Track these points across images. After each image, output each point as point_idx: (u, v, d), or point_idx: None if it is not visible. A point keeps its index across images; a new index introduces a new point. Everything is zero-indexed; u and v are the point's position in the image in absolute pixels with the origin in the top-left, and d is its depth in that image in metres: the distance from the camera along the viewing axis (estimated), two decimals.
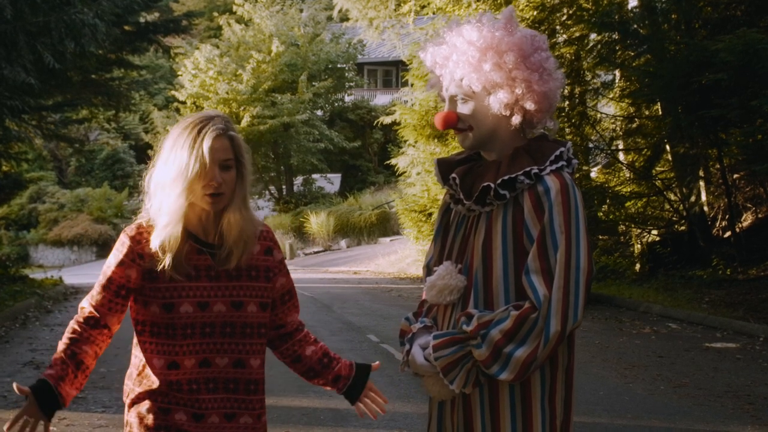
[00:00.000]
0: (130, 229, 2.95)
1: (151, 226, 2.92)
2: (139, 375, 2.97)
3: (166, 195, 2.87)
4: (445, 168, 2.95)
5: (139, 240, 2.92)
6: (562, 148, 2.81)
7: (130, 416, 2.96)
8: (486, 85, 2.77)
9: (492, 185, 2.75)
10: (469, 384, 2.74)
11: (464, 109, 2.82)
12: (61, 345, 2.90)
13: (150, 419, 2.92)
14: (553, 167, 2.76)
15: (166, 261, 2.86)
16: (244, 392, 2.96)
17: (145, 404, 2.93)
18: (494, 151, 2.84)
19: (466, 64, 2.77)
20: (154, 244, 2.88)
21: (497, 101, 2.77)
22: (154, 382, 2.91)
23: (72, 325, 2.93)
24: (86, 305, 2.95)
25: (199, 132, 2.85)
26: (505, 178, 2.74)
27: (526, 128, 2.86)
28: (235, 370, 2.94)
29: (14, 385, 2.88)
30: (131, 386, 2.98)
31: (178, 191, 2.84)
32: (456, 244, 2.90)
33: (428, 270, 3.00)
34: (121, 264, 2.91)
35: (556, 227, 2.67)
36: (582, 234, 2.70)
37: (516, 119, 2.79)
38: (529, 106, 2.78)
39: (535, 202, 2.71)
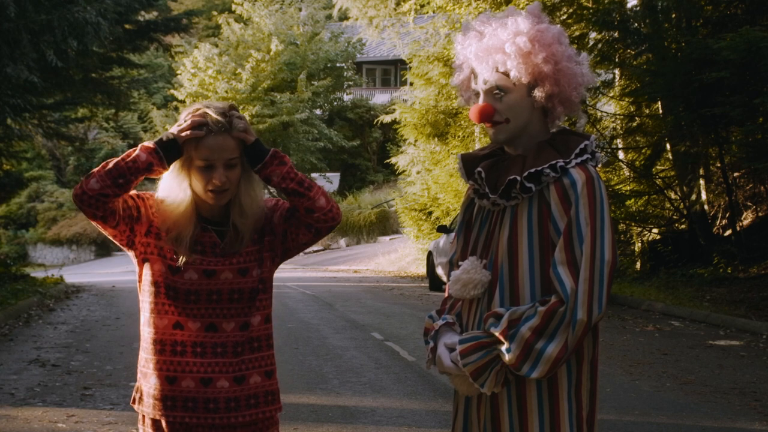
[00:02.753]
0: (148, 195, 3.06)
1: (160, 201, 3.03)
2: (145, 341, 3.04)
3: (171, 185, 2.99)
4: (469, 163, 2.96)
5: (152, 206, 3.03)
6: (587, 142, 2.83)
7: (140, 384, 3.06)
8: (533, 77, 2.79)
9: (518, 178, 2.77)
10: (498, 384, 2.76)
11: (504, 101, 2.82)
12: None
13: (157, 390, 2.99)
14: (578, 160, 2.78)
15: (177, 242, 2.98)
16: (249, 351, 3.02)
17: (152, 375, 3.00)
18: (521, 145, 2.85)
19: (516, 55, 2.77)
20: (162, 222, 3.00)
21: (542, 93, 2.79)
22: (158, 342, 2.98)
23: None
24: None
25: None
26: (532, 171, 2.76)
27: (555, 121, 2.88)
28: (242, 333, 3.01)
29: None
30: (143, 355, 3.05)
31: (179, 187, 2.99)
32: (481, 239, 2.91)
33: (452, 265, 3.01)
34: (140, 199, 3.01)
35: (582, 220, 2.70)
36: (606, 226, 2.72)
37: (559, 110, 2.83)
38: (575, 97, 2.82)
39: (562, 195, 2.73)
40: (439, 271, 17.78)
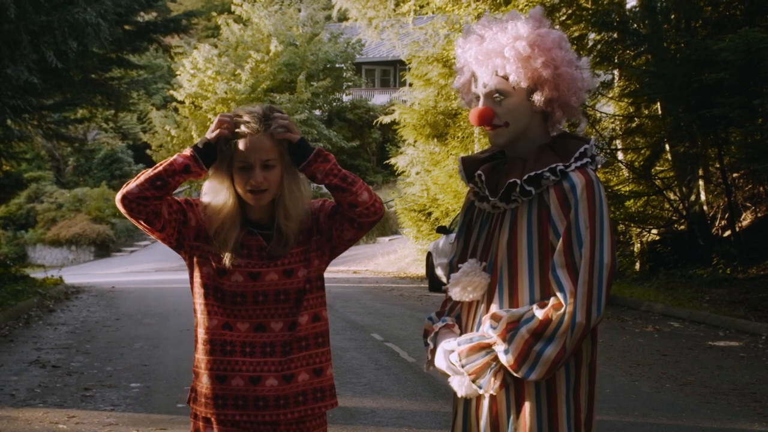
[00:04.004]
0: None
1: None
2: (198, 342, 3.10)
3: (215, 187, 3.07)
4: (469, 166, 2.97)
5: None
6: (586, 145, 2.84)
7: (194, 383, 3.13)
8: (532, 81, 2.80)
9: (518, 181, 2.78)
10: (497, 386, 2.78)
11: (504, 104, 2.83)
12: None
13: (208, 389, 3.06)
14: (578, 164, 2.79)
15: (222, 245, 3.04)
16: (298, 350, 3.06)
17: (204, 374, 3.07)
18: (521, 148, 2.86)
19: (515, 59, 2.78)
20: (209, 226, 3.07)
21: (541, 97, 2.80)
22: (208, 342, 3.05)
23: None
24: None
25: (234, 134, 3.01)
26: (531, 174, 2.77)
27: (555, 125, 2.89)
28: (290, 332, 3.06)
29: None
30: (196, 355, 3.12)
31: (220, 188, 3.06)
32: (480, 242, 2.92)
33: (451, 267, 3.02)
34: (189, 204, 3.08)
35: (581, 223, 2.71)
36: (606, 230, 2.73)
37: (558, 115, 2.84)
38: (574, 102, 2.82)
39: (561, 199, 2.74)
40: (439, 272, 17.78)
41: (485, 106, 2.85)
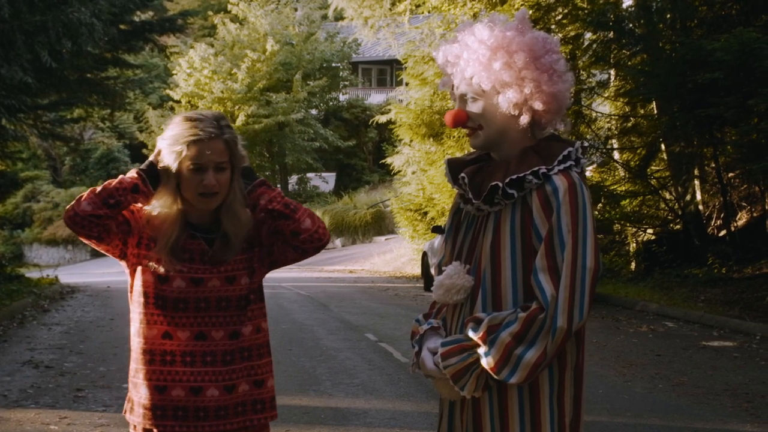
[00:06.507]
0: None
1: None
2: (135, 352, 3.07)
3: (160, 191, 3.01)
4: (455, 168, 2.96)
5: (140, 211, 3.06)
6: (571, 148, 2.82)
7: (131, 394, 3.09)
8: (495, 84, 2.78)
9: (500, 184, 2.77)
10: (479, 389, 2.77)
11: (474, 107, 2.83)
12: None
13: (147, 400, 3.02)
14: (561, 167, 2.77)
15: (160, 246, 2.99)
16: (240, 360, 3.04)
17: (142, 385, 3.03)
18: (503, 151, 2.85)
19: (476, 62, 2.78)
20: (151, 230, 3.02)
21: (506, 100, 2.78)
22: (148, 352, 3.02)
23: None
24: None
25: (188, 137, 2.94)
26: (514, 177, 2.76)
27: (535, 129, 2.87)
28: (231, 341, 3.03)
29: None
30: (133, 365, 3.09)
31: (165, 192, 3.00)
32: (465, 244, 2.92)
33: (439, 269, 3.02)
34: (131, 213, 3.03)
35: (564, 226, 2.69)
36: (589, 233, 2.71)
37: (524, 119, 2.80)
38: (538, 106, 2.79)
39: (543, 202, 2.72)
40: (434, 271, 17.76)
41: (459, 108, 2.86)
